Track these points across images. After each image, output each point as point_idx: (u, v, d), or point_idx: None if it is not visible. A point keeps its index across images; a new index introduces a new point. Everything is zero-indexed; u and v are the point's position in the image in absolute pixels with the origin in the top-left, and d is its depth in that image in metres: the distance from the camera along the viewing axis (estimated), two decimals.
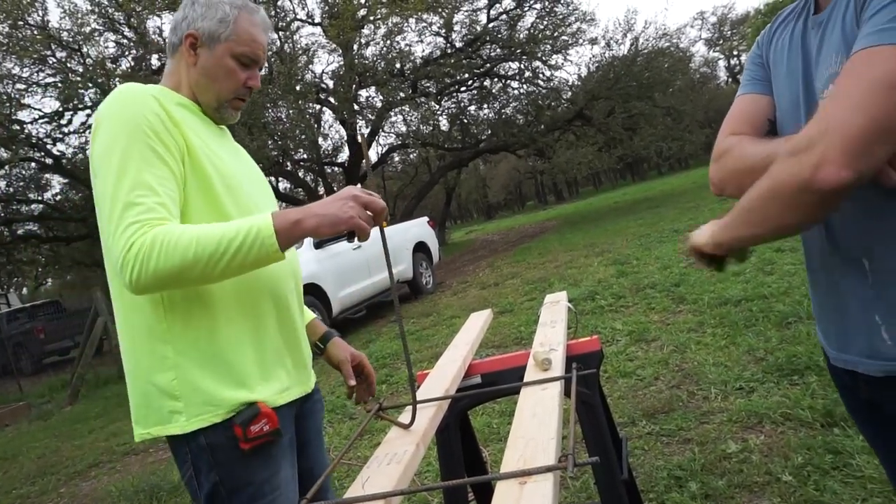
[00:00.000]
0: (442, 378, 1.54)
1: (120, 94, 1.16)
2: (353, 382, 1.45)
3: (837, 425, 2.40)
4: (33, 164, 14.88)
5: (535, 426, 1.09)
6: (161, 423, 1.16)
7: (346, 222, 1.11)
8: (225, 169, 1.25)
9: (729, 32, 32.54)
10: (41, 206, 16.33)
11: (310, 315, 1.50)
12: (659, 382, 3.37)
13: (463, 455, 1.65)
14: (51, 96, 13.58)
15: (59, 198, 16.86)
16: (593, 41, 18.55)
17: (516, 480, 0.90)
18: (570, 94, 18.61)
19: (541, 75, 17.91)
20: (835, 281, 1.00)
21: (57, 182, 16.55)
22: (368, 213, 1.13)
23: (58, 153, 14.40)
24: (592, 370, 1.51)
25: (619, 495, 1.57)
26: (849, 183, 0.78)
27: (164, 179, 1.12)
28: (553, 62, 17.61)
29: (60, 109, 14.09)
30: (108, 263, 1.18)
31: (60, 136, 14.45)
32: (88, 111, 14.33)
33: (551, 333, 1.75)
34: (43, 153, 14.18)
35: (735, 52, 40.15)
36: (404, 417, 1.25)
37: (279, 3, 15.07)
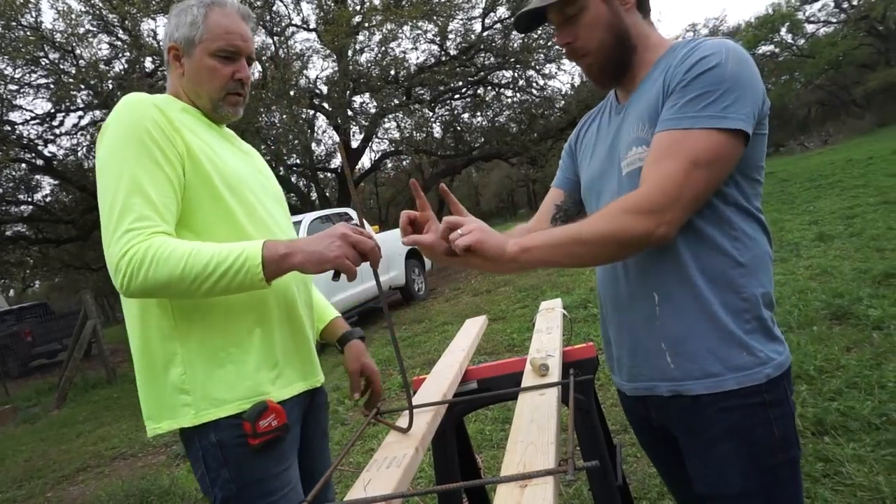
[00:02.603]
0: (439, 383, 1.54)
1: (124, 103, 1.20)
2: (356, 396, 1.47)
3: (828, 434, 2.42)
4: (24, 166, 14.78)
5: (535, 431, 1.09)
6: (172, 417, 1.20)
7: (331, 261, 1.13)
8: (226, 169, 1.27)
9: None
10: (31, 207, 16.21)
11: (332, 313, 1.54)
12: None
13: (459, 462, 1.66)
14: (43, 97, 13.54)
15: (49, 199, 16.75)
16: None
17: (517, 484, 0.91)
18: (563, 103, 18.71)
19: (534, 84, 18.02)
20: (629, 317, 1.19)
21: (47, 183, 16.44)
22: (356, 252, 1.14)
23: (49, 154, 14.34)
24: (588, 376, 1.52)
25: (615, 502, 1.58)
26: (669, 241, 1.05)
27: (160, 185, 1.15)
28: (546, 71, 17.71)
29: (52, 111, 14.04)
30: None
31: (52, 137, 14.41)
32: (80, 113, 14.29)
33: (547, 340, 1.77)
34: (34, 154, 14.10)
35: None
36: (401, 422, 1.26)
37: (274, 7, 15.10)
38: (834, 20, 33.40)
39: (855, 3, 31.65)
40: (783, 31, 32.94)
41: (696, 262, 1.09)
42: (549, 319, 2.04)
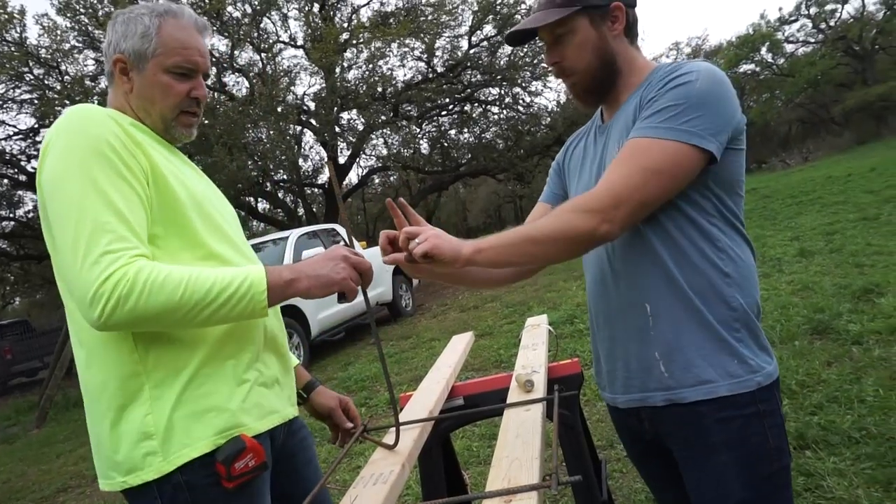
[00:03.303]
0: (425, 400, 1.56)
1: (76, 114, 1.07)
2: (349, 425, 1.40)
3: (809, 448, 2.45)
4: (6, 181, 14.66)
5: (520, 446, 1.11)
6: (134, 469, 1.05)
7: (338, 283, 1.12)
8: (192, 187, 1.19)
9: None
10: (13, 223, 16.03)
11: (294, 360, 1.37)
12: None
13: (445, 478, 1.66)
14: (27, 113, 13.46)
15: (31, 215, 16.58)
16: None
17: (502, 499, 0.92)
18: (549, 119, 18.93)
19: (520, 101, 18.22)
20: (621, 330, 1.22)
21: (30, 199, 16.29)
22: (356, 273, 1.14)
23: (32, 170, 14.21)
24: (573, 392, 1.54)
25: None
26: (612, 239, 1.10)
27: (132, 204, 1.04)
28: (533, 88, 17.92)
29: (36, 126, 13.95)
30: (68, 293, 1.08)
31: (35, 153, 14.28)
32: None
33: (533, 356, 1.78)
34: (16, 170, 14.00)
35: None
36: (388, 439, 1.27)
37: (262, 24, 15.18)
38: (812, 40, 34.16)
39: (832, 23, 32.41)
40: (763, 50, 33.63)
41: (683, 275, 1.13)
42: (535, 336, 2.06)
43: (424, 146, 18.73)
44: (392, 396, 1.26)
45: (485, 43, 17.38)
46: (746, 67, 33.91)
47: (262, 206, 19.14)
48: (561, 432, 1.60)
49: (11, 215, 16.09)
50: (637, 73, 1.22)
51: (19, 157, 13.92)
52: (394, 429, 1.26)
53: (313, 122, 15.73)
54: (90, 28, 12.97)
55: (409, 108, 16.78)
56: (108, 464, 1.09)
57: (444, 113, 18.52)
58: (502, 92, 17.92)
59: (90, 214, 0.99)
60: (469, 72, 17.36)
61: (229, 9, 14.21)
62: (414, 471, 1.60)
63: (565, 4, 1.16)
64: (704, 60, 1.19)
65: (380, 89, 15.71)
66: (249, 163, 13.08)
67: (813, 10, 32.67)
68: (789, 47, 34.51)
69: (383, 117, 15.31)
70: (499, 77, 16.91)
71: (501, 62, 17.16)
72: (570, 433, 1.58)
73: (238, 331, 1.14)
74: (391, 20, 15.64)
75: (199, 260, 1.13)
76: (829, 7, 32.15)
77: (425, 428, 1.39)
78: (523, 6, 16.45)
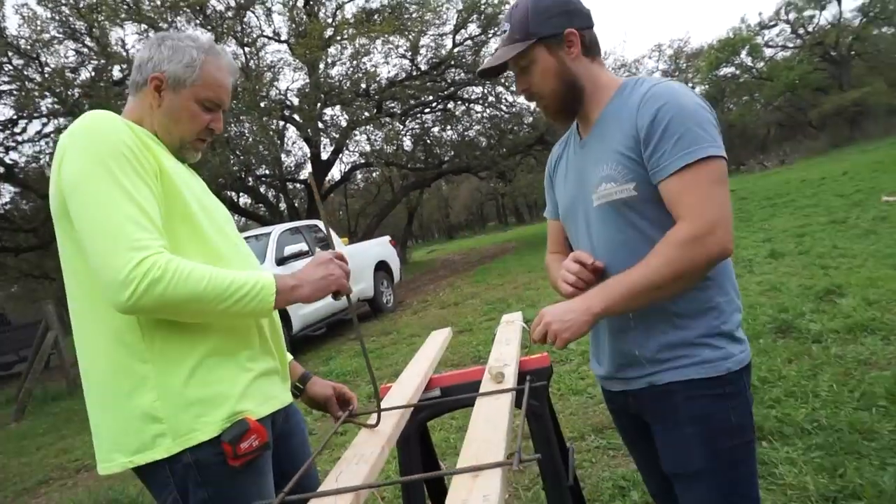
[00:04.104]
0: (404, 390, 1.67)
1: (92, 118, 1.17)
2: (342, 414, 1.51)
3: (766, 439, 2.61)
4: None
5: (489, 430, 1.22)
6: (143, 449, 1.13)
7: (335, 283, 1.28)
8: (197, 191, 1.31)
9: (685, 65, 33.98)
10: None
11: (288, 355, 1.48)
12: None
13: (422, 466, 1.77)
14: (5, 104, 13.27)
15: (8, 207, 16.36)
16: None
17: (469, 475, 1.04)
18: (531, 119, 19.03)
19: (503, 100, 18.32)
20: (610, 330, 1.37)
21: (7, 191, 16.08)
22: (343, 272, 1.29)
23: (10, 162, 14.04)
24: (542, 382, 1.66)
25: (565, 500, 1.72)
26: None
27: (150, 201, 1.14)
28: (515, 88, 18.03)
29: (15, 117, 13.77)
30: (88, 283, 1.16)
31: (13, 144, 14.12)
32: (44, 120, 14.05)
33: (506, 351, 1.90)
34: None
35: (690, 84, 41.88)
36: (368, 424, 1.38)
37: (245, 18, 15.12)
38: (791, 45, 34.76)
39: (810, 29, 33.00)
40: (743, 54, 34.14)
41: None
42: (509, 332, 2.18)
43: (407, 143, 18.81)
44: (373, 379, 1.39)
45: (469, 42, 17.47)
46: (727, 70, 34.45)
47: (244, 200, 19.07)
48: (530, 422, 1.72)
49: None
50: (603, 90, 1.33)
51: None
52: (375, 414, 1.37)
53: (296, 117, 15.71)
54: (71, 19, 12.83)
55: (393, 105, 16.83)
56: (112, 446, 1.16)
57: (427, 110, 18.59)
58: (485, 91, 18.02)
59: (116, 207, 1.09)
60: (453, 70, 17.44)
61: (213, 2, 14.17)
62: (395, 463, 1.71)
63: (522, 39, 1.29)
64: (660, 78, 1.33)
65: (363, 86, 15.74)
66: (232, 158, 13.07)
67: (792, 16, 33.28)
68: (768, 51, 35.12)
69: (367, 114, 15.34)
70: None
71: (485, 61, 17.26)
72: (538, 421, 1.70)
73: (241, 324, 1.25)
74: (376, 17, 15.66)
75: (204, 255, 1.22)
76: (807, 13, 32.79)
77: (404, 415, 1.50)
78: (506, 6, 16.56)
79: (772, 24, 34.02)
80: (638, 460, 1.59)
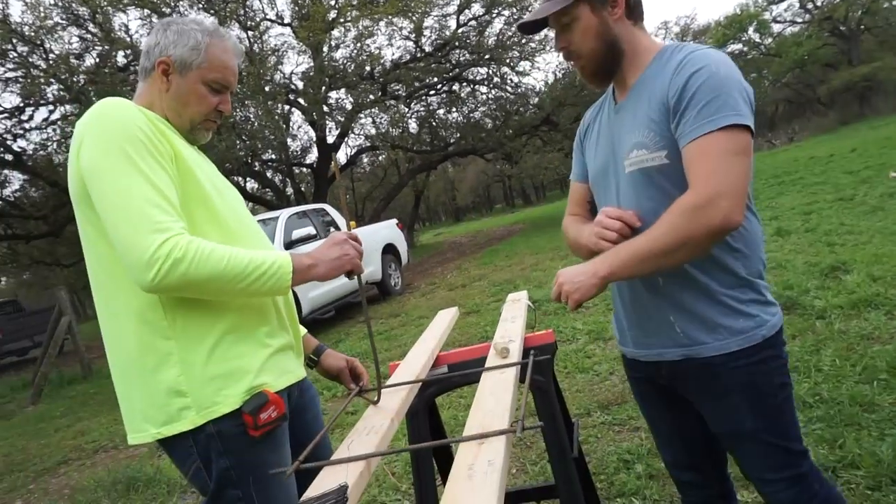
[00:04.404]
0: (412, 367, 1.72)
1: (106, 105, 1.20)
2: (353, 386, 1.58)
3: None
4: None
5: (493, 402, 1.28)
6: (170, 421, 1.19)
7: (349, 263, 1.33)
8: (211, 173, 1.36)
9: (691, 42, 33.55)
10: None
11: (302, 329, 1.54)
12: (613, 377, 3.62)
13: (431, 439, 1.83)
14: (12, 91, 13.32)
15: (18, 195, 16.50)
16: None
17: (475, 442, 1.09)
18: (537, 99, 18.96)
19: (509, 81, 18.23)
20: (640, 298, 1.38)
21: (16, 179, 16.20)
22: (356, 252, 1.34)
23: (18, 149, 14.13)
24: (546, 356, 1.71)
25: (570, 471, 1.77)
26: (742, 224, 1.19)
27: (168, 184, 1.18)
28: (521, 68, 17.91)
29: (21, 105, 13.83)
30: (111, 265, 1.20)
31: (21, 132, 14.19)
32: (50, 107, 14.10)
33: (511, 327, 1.95)
34: (2, 149, 13.89)
35: None
36: (370, 398, 1.45)
37: (248, 2, 15.05)
38: (799, 20, 34.22)
39: (819, 4, 32.46)
40: (751, 30, 33.68)
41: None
42: (514, 310, 2.22)
43: (413, 126, 18.78)
44: (375, 357, 1.46)
45: (473, 22, 17.34)
46: (734, 47, 34.00)
47: (251, 185, 19.15)
48: (535, 396, 1.77)
49: None
50: (642, 55, 1.33)
51: (5, 136, 13.81)
52: (384, 390, 1.43)
53: (301, 101, 15.70)
54: (74, 4, 12.82)
55: (398, 87, 16.77)
56: (141, 417, 1.23)
57: (432, 92, 18.52)
58: (490, 72, 17.92)
59: (137, 191, 1.13)
60: (457, 51, 17.34)
61: None
62: (405, 439, 1.77)
63: None
64: (704, 46, 1.31)
65: (368, 68, 15.68)
66: (238, 143, 13.09)
67: None
68: (776, 27, 34.62)
69: (371, 97, 15.32)
70: (487, 57, 16.90)
71: (490, 42, 17.16)
72: (543, 395, 1.75)
73: (258, 303, 1.30)
74: None
75: (221, 236, 1.26)
76: None
77: (412, 390, 1.56)
78: None
79: None
80: (658, 430, 1.59)
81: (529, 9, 16.98)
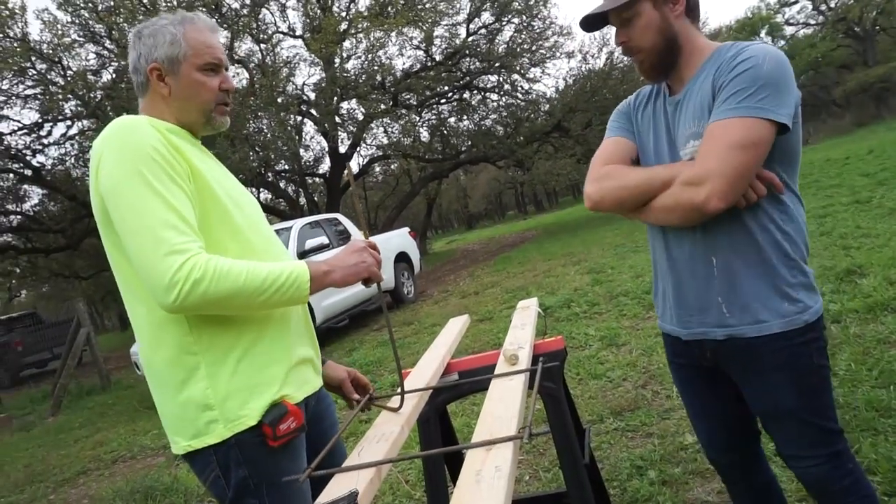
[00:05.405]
0: (423, 374, 1.74)
1: (121, 127, 1.21)
2: (356, 397, 1.58)
3: None
4: (12, 176, 14.83)
5: (502, 408, 1.29)
6: (199, 434, 1.22)
7: (366, 270, 1.35)
8: (228, 186, 1.35)
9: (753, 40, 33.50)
10: (19, 217, 16.23)
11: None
12: (626, 383, 3.60)
13: (442, 446, 1.84)
14: (31, 108, 13.59)
15: (38, 209, 16.78)
16: (570, 55, 19.02)
17: (483, 448, 1.10)
18: (548, 106, 18.96)
19: (519, 88, 18.28)
20: (689, 277, 1.42)
21: (36, 193, 16.49)
22: (375, 260, 1.36)
23: (37, 164, 14.38)
24: (555, 363, 1.72)
25: (581, 477, 1.78)
26: (723, 209, 1.26)
27: (183, 202, 1.19)
28: (531, 75, 17.98)
29: (40, 121, 14.09)
30: (136, 284, 1.23)
31: (40, 147, 14.46)
32: (68, 122, 14.35)
33: (521, 334, 1.96)
34: (22, 164, 14.15)
35: None
36: (392, 405, 1.45)
37: (260, 15, 15.25)
38: (813, 22, 33.96)
39: (832, 5, 32.20)
40: (763, 33, 33.46)
41: (758, 230, 1.32)
42: (525, 317, 2.24)
43: (424, 134, 18.84)
44: (398, 364, 1.46)
45: (483, 30, 17.42)
46: None
47: (264, 196, 19.30)
48: (546, 403, 1.78)
49: (18, 209, 16.28)
50: (698, 53, 1.38)
51: (25, 151, 14.07)
52: (396, 396, 1.45)
53: (314, 112, 15.85)
54: (90, 22, 13.07)
55: (409, 96, 16.87)
56: (173, 431, 1.27)
57: (443, 101, 18.60)
58: (501, 79, 17.98)
59: (154, 213, 1.15)
60: (467, 59, 17.42)
61: (228, 0, 14.30)
62: (418, 446, 1.78)
63: None
64: (761, 42, 1.37)
65: (379, 79, 15.79)
66: (251, 154, 13.23)
67: None
68: (789, 30, 34.38)
69: (383, 106, 15.40)
70: (497, 64, 16.97)
71: (500, 49, 17.22)
72: (553, 402, 1.75)
73: (278, 316, 1.32)
74: (389, 9, 15.68)
75: (241, 250, 1.28)
76: None
77: (423, 397, 1.58)
78: None
79: (792, 1, 33.32)
80: (697, 410, 1.63)
81: (539, 16, 17.05)
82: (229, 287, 1.16)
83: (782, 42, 33.90)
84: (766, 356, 1.35)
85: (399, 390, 1.47)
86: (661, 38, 1.35)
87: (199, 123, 1.36)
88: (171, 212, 1.16)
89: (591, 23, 1.43)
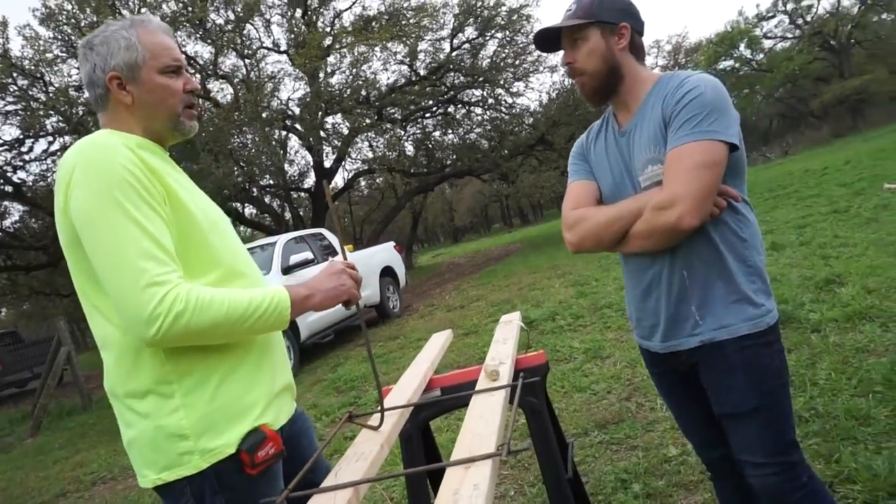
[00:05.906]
0: (405, 391, 1.73)
1: (92, 144, 1.14)
2: (342, 417, 1.55)
3: None
4: None
5: (482, 424, 1.29)
6: (171, 466, 1.16)
7: (346, 293, 1.35)
8: (203, 204, 1.29)
9: (683, 60, 33.99)
10: None
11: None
12: (611, 396, 3.61)
13: (426, 464, 1.83)
14: (12, 124, 13.46)
15: (18, 226, 16.57)
16: (553, 69, 19.11)
17: (462, 466, 1.10)
18: (531, 119, 19.10)
19: (503, 102, 18.42)
20: (663, 292, 1.50)
21: (16, 210, 16.29)
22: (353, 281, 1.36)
23: (18, 181, 14.23)
24: (536, 378, 1.72)
25: (564, 492, 1.78)
26: (696, 227, 1.35)
27: (160, 227, 1.14)
28: (515, 89, 18.15)
29: (21, 137, 13.97)
30: (107, 310, 1.17)
31: (21, 163, 14.31)
32: (50, 138, 14.24)
33: (502, 349, 1.96)
34: (2, 181, 14.00)
35: None
36: (373, 423, 1.44)
37: (245, 31, 15.27)
38: (790, 36, 34.64)
39: (809, 19, 32.88)
40: (742, 46, 34.06)
41: (721, 241, 1.42)
42: (507, 331, 2.24)
43: (409, 148, 18.90)
44: (377, 382, 1.45)
45: (466, 45, 17.57)
46: (725, 64, 34.37)
47: (249, 211, 19.23)
48: (528, 417, 1.78)
49: None
50: (641, 83, 1.49)
51: (5, 168, 13.92)
52: (377, 414, 1.44)
53: (298, 126, 15.84)
54: (73, 38, 13.02)
55: (393, 111, 16.95)
56: (142, 462, 1.20)
57: (427, 115, 18.70)
58: (485, 93, 18.12)
59: (132, 242, 1.09)
60: (452, 74, 17.56)
61: (212, 16, 14.32)
62: (396, 464, 1.77)
63: (583, 17, 1.46)
64: (699, 71, 1.48)
65: (364, 93, 15.86)
66: (235, 169, 13.19)
67: (790, 6, 33.19)
68: (767, 43, 35.04)
69: (368, 121, 15.46)
70: (481, 79, 17.11)
71: (483, 64, 17.37)
72: (535, 417, 1.76)
73: (260, 341, 1.30)
74: (374, 24, 15.79)
75: (222, 278, 1.25)
76: (805, 3, 32.69)
77: (404, 414, 1.57)
78: (503, 8, 16.67)
79: (770, 15, 33.98)
80: (684, 417, 1.70)
81: (522, 31, 17.23)
82: (212, 318, 1.13)
83: (760, 55, 34.52)
84: (732, 356, 1.43)
85: (379, 407, 1.46)
86: (605, 64, 1.46)
87: (167, 130, 1.30)
88: (149, 240, 1.11)
89: (547, 42, 1.54)
